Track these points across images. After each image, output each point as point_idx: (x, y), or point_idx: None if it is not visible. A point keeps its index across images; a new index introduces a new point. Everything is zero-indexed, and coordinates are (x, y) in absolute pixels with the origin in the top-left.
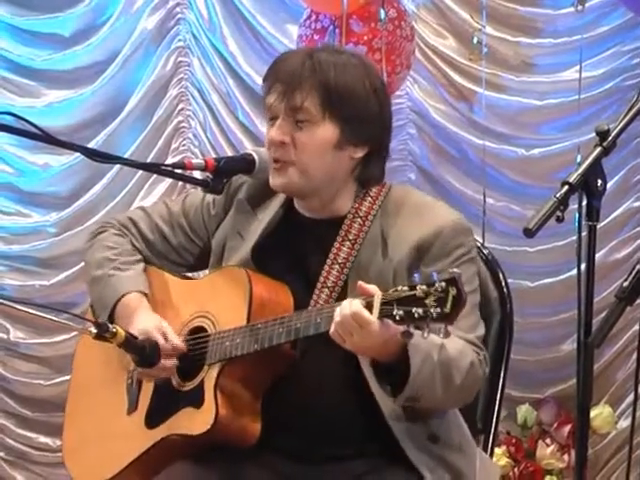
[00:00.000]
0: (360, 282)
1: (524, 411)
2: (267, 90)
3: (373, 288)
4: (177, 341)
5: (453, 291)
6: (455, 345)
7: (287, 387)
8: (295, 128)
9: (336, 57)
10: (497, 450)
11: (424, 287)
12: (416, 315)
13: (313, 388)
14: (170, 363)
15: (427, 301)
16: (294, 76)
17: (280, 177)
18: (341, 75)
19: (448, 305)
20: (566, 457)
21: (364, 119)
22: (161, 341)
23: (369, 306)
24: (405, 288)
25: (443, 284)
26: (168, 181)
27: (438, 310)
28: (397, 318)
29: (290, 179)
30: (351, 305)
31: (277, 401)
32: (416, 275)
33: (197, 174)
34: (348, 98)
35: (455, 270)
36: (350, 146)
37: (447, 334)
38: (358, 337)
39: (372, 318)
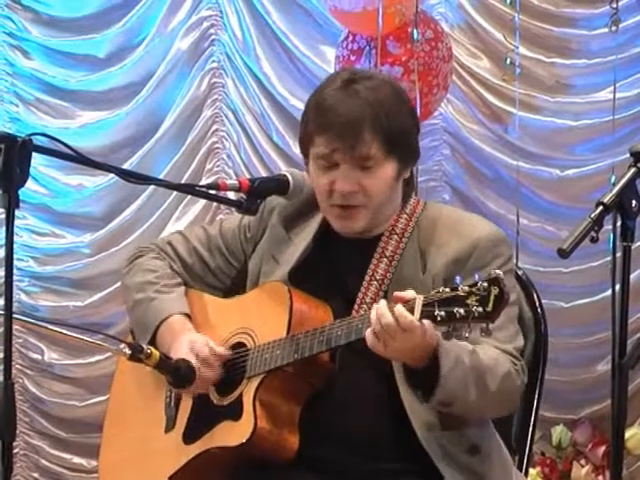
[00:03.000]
0: (395, 292)
1: (559, 432)
2: (320, 142)
3: (410, 292)
4: (221, 349)
5: (495, 290)
6: (489, 354)
7: (322, 402)
8: (361, 175)
9: (377, 92)
10: (532, 471)
11: (466, 287)
12: (458, 315)
13: (349, 404)
14: (211, 374)
15: (469, 301)
16: (352, 129)
17: (351, 222)
18: (393, 113)
19: (490, 304)
20: (601, 478)
21: (411, 144)
22: (206, 352)
23: (410, 309)
24: (447, 289)
25: (485, 284)
26: (202, 202)
27: (480, 309)
28: (438, 319)
29: (362, 221)
30: (394, 311)
31: (312, 416)
32: (458, 278)
33: (231, 195)
34: (404, 134)
35: (497, 271)
36: (404, 172)
37: (488, 333)
38: (399, 341)
39: (416, 322)
